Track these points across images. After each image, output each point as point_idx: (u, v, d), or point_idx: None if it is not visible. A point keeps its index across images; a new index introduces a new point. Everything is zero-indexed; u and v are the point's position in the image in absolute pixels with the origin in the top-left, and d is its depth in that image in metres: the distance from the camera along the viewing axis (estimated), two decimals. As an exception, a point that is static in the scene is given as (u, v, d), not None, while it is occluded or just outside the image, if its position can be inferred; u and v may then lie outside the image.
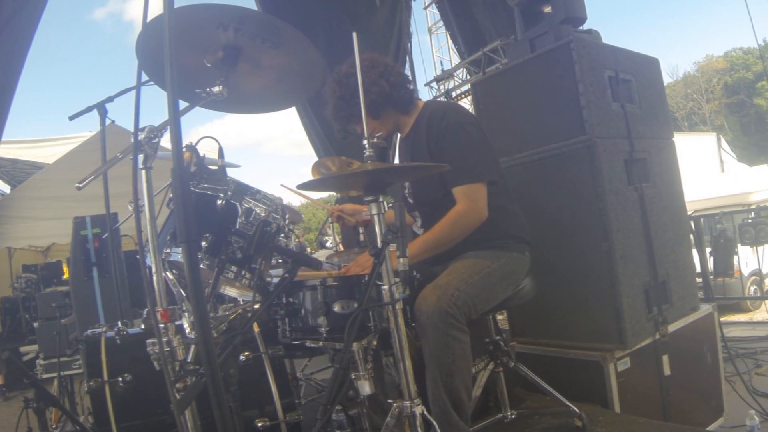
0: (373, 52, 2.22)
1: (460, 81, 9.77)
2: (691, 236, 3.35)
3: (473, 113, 2.34)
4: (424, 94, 10.47)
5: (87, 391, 1.89)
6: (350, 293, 1.75)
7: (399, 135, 2.34)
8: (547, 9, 2.92)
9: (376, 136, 1.78)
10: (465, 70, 9.12)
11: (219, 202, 1.72)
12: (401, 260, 1.59)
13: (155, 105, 1.51)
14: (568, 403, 2.13)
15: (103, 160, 3.10)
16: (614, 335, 2.44)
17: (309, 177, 2.36)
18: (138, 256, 4.03)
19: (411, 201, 2.31)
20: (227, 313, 1.72)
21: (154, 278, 1.45)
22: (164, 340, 1.41)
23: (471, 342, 1.84)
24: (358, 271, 1.88)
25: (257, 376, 1.91)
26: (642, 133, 2.73)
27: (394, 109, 2.18)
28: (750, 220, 5.51)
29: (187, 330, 1.51)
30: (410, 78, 2.28)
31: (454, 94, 9.68)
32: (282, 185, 2.48)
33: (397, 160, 2.35)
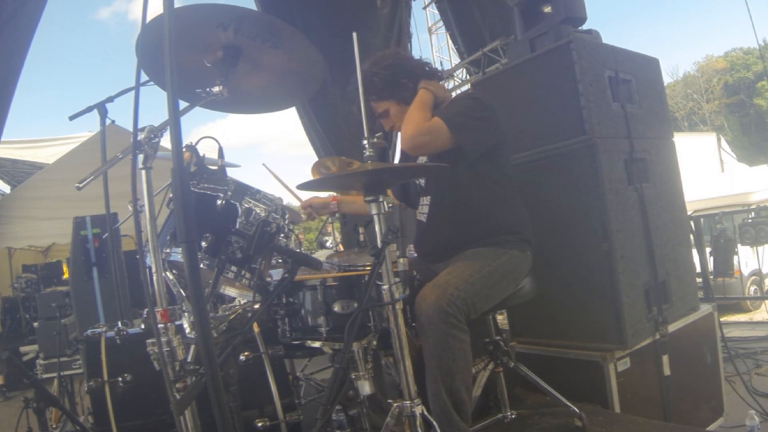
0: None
1: (460, 81, 9.77)
2: (691, 236, 3.35)
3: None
4: (424, 94, 10.44)
5: (87, 391, 1.89)
6: (350, 293, 1.75)
7: None
8: (547, 9, 2.92)
9: (376, 136, 1.78)
10: (465, 70, 9.12)
11: (219, 202, 1.72)
12: (401, 260, 1.59)
13: (155, 105, 1.51)
14: (568, 403, 2.13)
15: (103, 160, 3.10)
16: (614, 335, 2.44)
17: (309, 177, 2.36)
18: (138, 256, 4.04)
19: (422, 184, 2.30)
20: (227, 313, 1.72)
21: (154, 278, 1.45)
22: (164, 340, 1.41)
23: (471, 342, 1.83)
24: None
25: (257, 376, 1.90)
26: (642, 133, 2.73)
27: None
28: (750, 220, 5.51)
29: (187, 330, 1.51)
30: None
31: (453, 94, 9.66)
32: (263, 164, 2.50)
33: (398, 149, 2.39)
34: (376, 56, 2.24)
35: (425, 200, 2.26)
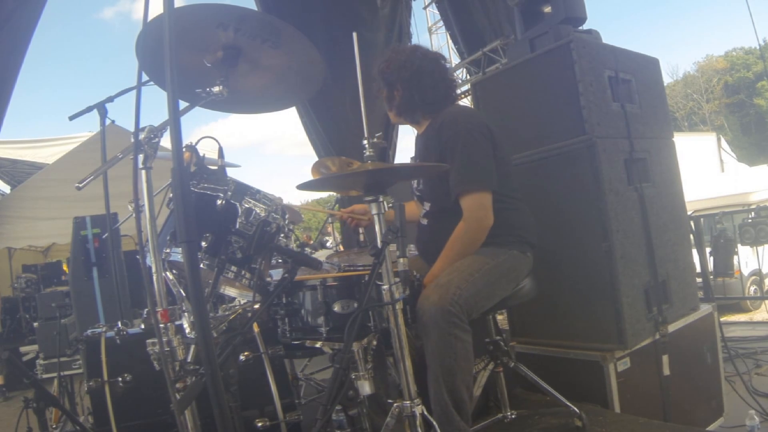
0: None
1: (460, 81, 9.77)
2: (691, 236, 3.34)
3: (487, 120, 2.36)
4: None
5: (87, 391, 1.89)
6: (350, 293, 1.75)
7: (415, 132, 2.36)
8: (547, 9, 2.92)
9: (376, 136, 1.78)
10: (465, 70, 9.12)
11: (219, 202, 1.72)
12: (401, 260, 1.59)
13: (155, 105, 1.52)
14: (568, 403, 2.13)
15: (103, 160, 3.10)
16: (614, 335, 2.44)
17: (309, 177, 2.36)
18: (138, 256, 4.04)
19: (418, 195, 2.33)
20: (227, 313, 1.72)
21: (154, 278, 1.45)
22: (164, 340, 1.41)
23: (471, 342, 1.84)
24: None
25: (257, 376, 1.90)
26: (642, 133, 2.73)
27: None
28: (750, 220, 5.50)
29: (187, 330, 1.51)
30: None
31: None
32: (289, 204, 2.51)
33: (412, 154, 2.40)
34: (405, 52, 2.20)
35: (426, 205, 2.28)
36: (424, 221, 2.27)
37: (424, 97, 2.17)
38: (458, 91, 9.55)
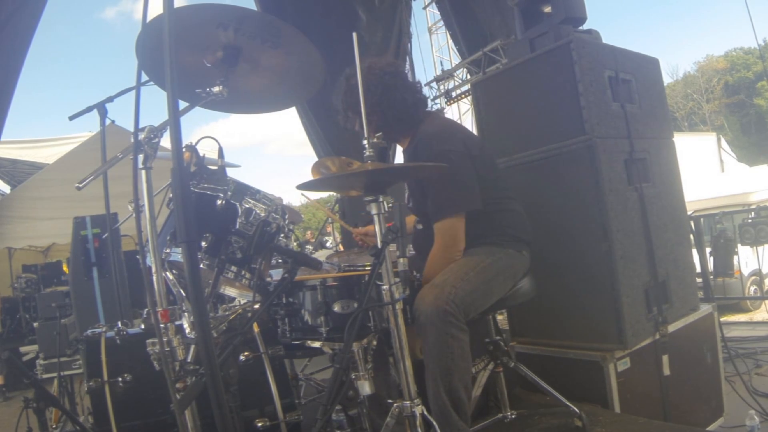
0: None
1: (460, 81, 9.79)
2: (691, 236, 3.35)
3: (464, 130, 2.31)
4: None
5: (87, 391, 1.89)
6: (350, 293, 1.75)
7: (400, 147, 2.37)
8: (547, 9, 2.92)
9: (376, 136, 1.78)
10: (465, 70, 9.14)
11: (219, 202, 1.72)
12: (401, 260, 1.59)
13: (155, 105, 1.52)
14: (568, 403, 2.13)
15: (103, 160, 3.10)
16: (614, 335, 2.44)
17: (309, 177, 2.36)
18: (138, 256, 4.04)
19: (409, 209, 2.35)
20: (227, 313, 1.72)
21: (154, 278, 1.45)
22: (164, 340, 1.41)
23: (471, 342, 1.84)
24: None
25: (257, 376, 1.90)
26: (642, 133, 2.73)
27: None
28: (750, 220, 5.51)
29: (187, 330, 1.51)
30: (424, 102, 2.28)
31: (454, 94, 9.70)
32: (302, 194, 2.51)
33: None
34: (374, 72, 2.15)
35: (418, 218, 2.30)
36: (419, 226, 2.29)
37: (396, 114, 2.16)
38: (458, 92, 9.57)
